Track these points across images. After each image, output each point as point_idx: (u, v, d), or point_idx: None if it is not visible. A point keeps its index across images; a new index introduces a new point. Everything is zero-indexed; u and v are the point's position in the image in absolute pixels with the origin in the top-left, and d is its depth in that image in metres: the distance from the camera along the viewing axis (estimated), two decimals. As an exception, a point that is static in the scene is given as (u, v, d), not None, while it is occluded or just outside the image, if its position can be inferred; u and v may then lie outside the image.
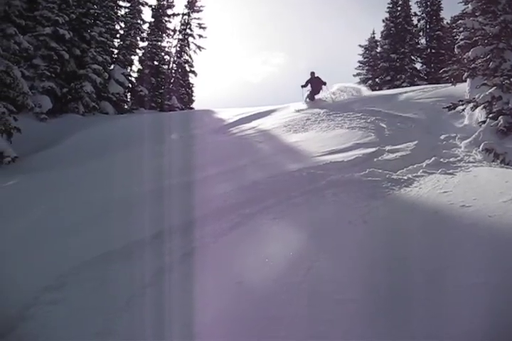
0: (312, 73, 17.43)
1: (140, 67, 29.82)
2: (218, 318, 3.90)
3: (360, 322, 3.68)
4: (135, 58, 28.92)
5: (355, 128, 11.23)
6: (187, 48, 32.88)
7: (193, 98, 33.41)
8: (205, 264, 4.97)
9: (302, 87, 17.26)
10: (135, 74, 29.24)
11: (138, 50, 29.14)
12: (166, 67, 31.89)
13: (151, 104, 28.20)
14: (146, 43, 30.35)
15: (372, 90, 28.10)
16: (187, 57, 32.89)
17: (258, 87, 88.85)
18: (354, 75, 36.78)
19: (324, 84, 17.30)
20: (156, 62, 30.66)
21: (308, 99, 17.23)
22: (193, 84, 33.38)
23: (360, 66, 37.14)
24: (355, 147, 9.40)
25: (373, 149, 9.09)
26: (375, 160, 8.45)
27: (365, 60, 37.03)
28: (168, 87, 31.20)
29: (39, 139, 15.21)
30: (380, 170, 7.58)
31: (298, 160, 8.80)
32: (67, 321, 4.18)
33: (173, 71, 32.33)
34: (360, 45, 37.14)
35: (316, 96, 17.39)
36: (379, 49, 36.31)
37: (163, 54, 31.52)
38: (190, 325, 3.83)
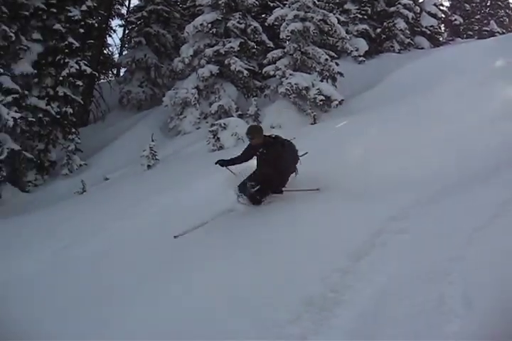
0: (255, 130, 6.71)
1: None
2: None
3: None
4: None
5: None
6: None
7: (515, 20, 29.53)
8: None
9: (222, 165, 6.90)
10: (447, 3, 27.54)
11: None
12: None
13: (467, 32, 26.25)
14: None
15: None
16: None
17: None
18: None
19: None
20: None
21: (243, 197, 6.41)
22: (514, 3, 29.40)
23: None
24: None
25: None
26: None
27: None
28: (484, 11, 28.33)
29: (359, 81, 15.78)
30: None
31: None
32: (413, 249, 4.35)
33: (491, -8, 29.02)
34: None
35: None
36: None
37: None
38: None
